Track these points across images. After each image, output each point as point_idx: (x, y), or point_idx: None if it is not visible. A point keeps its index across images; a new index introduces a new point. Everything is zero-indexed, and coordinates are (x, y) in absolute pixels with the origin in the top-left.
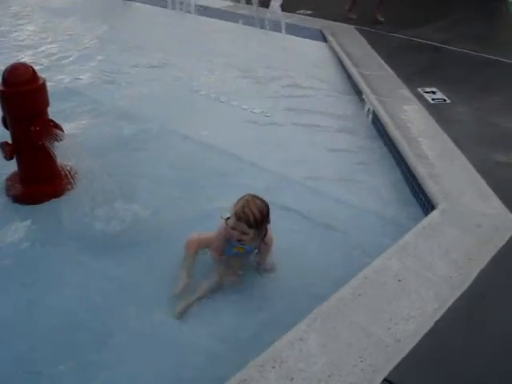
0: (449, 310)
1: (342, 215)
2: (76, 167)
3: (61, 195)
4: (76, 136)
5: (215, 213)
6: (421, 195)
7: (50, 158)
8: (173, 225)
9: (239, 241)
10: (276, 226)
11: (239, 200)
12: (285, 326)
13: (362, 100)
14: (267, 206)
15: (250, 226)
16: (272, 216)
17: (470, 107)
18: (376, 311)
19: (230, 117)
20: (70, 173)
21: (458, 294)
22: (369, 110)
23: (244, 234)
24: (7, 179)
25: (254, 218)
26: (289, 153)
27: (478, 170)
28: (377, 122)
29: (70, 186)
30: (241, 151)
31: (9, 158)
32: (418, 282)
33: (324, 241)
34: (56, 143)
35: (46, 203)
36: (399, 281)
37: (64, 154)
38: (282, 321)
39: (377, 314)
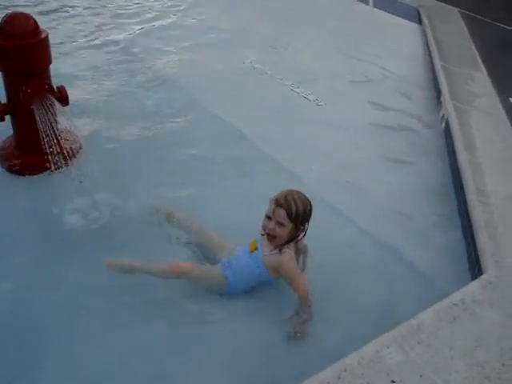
0: None
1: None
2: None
3: (44, 171)
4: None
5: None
6: (472, 251)
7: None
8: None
9: (268, 234)
10: None
11: (281, 192)
12: None
13: (439, 102)
14: (311, 205)
15: (290, 215)
16: None
17: None
18: None
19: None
20: (64, 147)
21: None
22: (443, 116)
23: (280, 224)
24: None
25: (296, 209)
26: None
27: None
28: (448, 134)
29: (60, 163)
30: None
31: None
32: None
33: None
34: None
35: (30, 177)
36: (392, 382)
37: (63, 123)
38: None
39: None
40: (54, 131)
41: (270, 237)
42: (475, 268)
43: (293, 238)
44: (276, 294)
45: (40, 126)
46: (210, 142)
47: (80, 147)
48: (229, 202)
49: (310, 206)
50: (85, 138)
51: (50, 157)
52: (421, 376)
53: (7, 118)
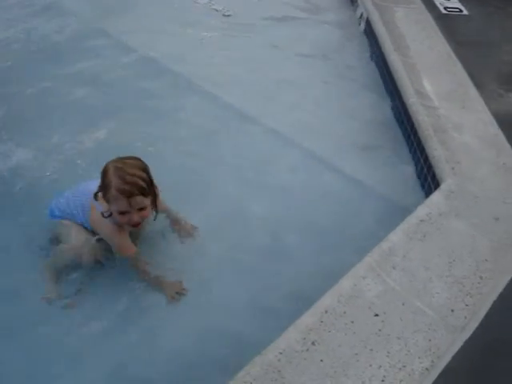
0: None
1: None
2: None
3: None
4: None
5: None
6: (420, 157)
7: None
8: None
9: (137, 224)
10: None
11: (105, 171)
12: None
13: (353, 1)
14: (139, 158)
15: (145, 193)
16: None
17: (491, 22)
18: (335, 374)
19: None
20: None
21: (459, 342)
22: (361, 15)
23: (142, 209)
24: None
25: (144, 181)
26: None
27: (499, 121)
28: (370, 34)
29: None
30: None
31: None
32: (402, 323)
33: None
34: None
35: None
36: (376, 316)
37: None
38: None
39: (336, 379)
40: None
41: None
42: (431, 179)
43: (157, 198)
44: None
45: None
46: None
47: None
48: None
49: (140, 160)
50: None
51: None
52: (403, 304)
53: None
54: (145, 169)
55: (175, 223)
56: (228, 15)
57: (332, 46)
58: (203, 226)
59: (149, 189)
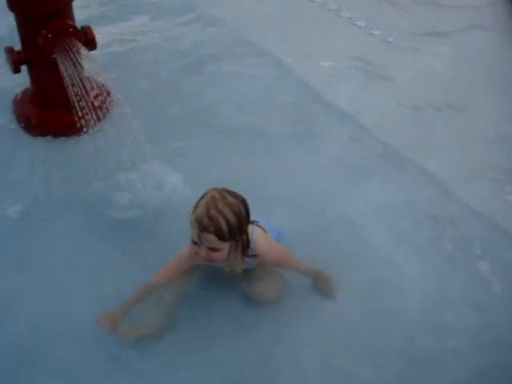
0: None
1: None
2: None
3: (74, 132)
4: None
5: None
6: None
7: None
8: None
9: (209, 261)
10: None
11: (202, 198)
12: None
13: None
14: (244, 202)
15: (221, 237)
16: None
17: None
18: None
19: None
20: (94, 101)
21: None
22: None
23: (214, 250)
24: (17, 97)
25: (227, 225)
26: None
27: None
28: None
29: (90, 122)
30: None
31: (14, 70)
32: None
33: None
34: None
35: (55, 139)
36: None
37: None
38: None
39: None
40: (81, 82)
41: (212, 262)
42: None
43: (239, 249)
44: None
45: (66, 78)
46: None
47: (110, 99)
48: None
49: (243, 203)
50: (117, 87)
51: (79, 113)
52: None
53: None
54: (239, 213)
55: (317, 282)
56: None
57: None
58: None
59: (230, 234)
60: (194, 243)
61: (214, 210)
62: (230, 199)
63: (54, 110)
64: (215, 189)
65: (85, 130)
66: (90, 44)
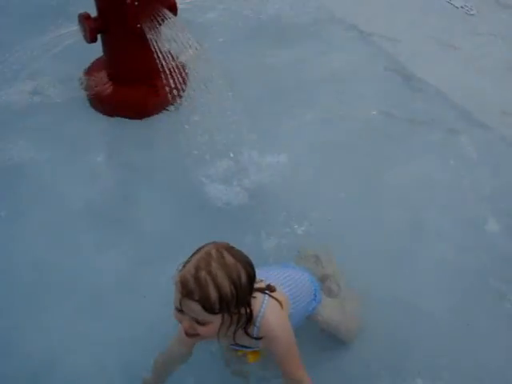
0: None
1: None
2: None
3: (159, 110)
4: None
5: None
6: None
7: (149, 51)
8: None
9: (192, 335)
10: None
11: (196, 252)
12: None
13: None
14: (248, 265)
15: (208, 309)
16: None
17: None
18: None
19: None
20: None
21: None
22: None
23: (198, 322)
24: (88, 70)
25: (218, 294)
26: None
27: None
28: None
29: (176, 98)
30: None
31: (89, 39)
32: None
33: None
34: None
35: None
36: None
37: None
38: None
39: None
40: (170, 55)
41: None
42: None
43: (235, 324)
44: None
45: (155, 50)
46: None
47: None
48: None
49: (247, 267)
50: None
51: (168, 89)
52: None
53: None
54: (236, 280)
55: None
56: None
57: None
58: None
59: (221, 306)
60: (177, 309)
61: (204, 272)
62: (229, 260)
63: (130, 86)
64: (215, 243)
65: (173, 104)
66: (173, 9)
